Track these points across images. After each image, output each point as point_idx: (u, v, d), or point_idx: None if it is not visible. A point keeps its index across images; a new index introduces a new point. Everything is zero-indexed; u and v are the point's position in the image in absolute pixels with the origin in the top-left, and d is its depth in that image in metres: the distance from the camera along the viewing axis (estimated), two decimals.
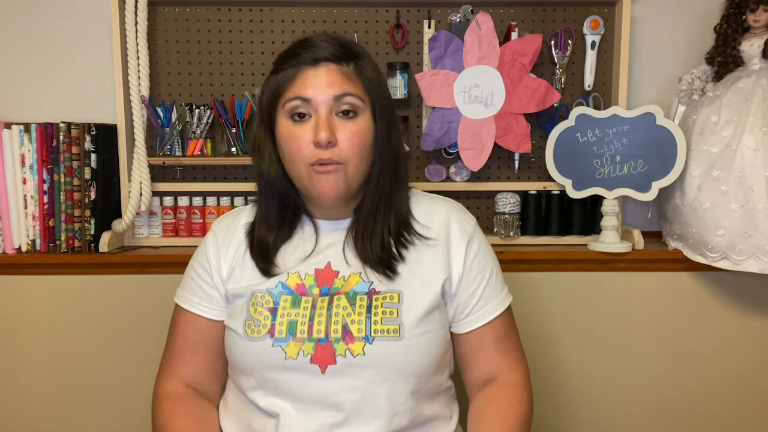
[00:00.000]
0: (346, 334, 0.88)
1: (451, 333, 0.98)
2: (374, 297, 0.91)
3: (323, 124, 0.87)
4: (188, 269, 1.02)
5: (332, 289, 0.92)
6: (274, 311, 0.90)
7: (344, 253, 0.95)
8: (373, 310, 0.89)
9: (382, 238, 0.93)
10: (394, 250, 0.93)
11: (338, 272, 0.93)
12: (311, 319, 0.89)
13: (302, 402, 0.88)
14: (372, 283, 0.92)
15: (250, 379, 0.91)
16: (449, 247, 0.96)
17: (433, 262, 0.95)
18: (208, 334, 0.97)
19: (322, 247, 0.96)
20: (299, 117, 0.89)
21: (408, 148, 1.46)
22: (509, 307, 1.01)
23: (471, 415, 0.98)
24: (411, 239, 0.95)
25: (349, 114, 0.89)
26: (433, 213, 0.99)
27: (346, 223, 0.98)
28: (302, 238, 0.98)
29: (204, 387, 0.99)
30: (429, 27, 1.43)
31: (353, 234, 0.95)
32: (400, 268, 0.93)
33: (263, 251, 0.95)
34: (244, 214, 1.02)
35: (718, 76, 1.39)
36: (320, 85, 0.88)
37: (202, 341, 0.98)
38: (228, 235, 0.99)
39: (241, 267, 0.96)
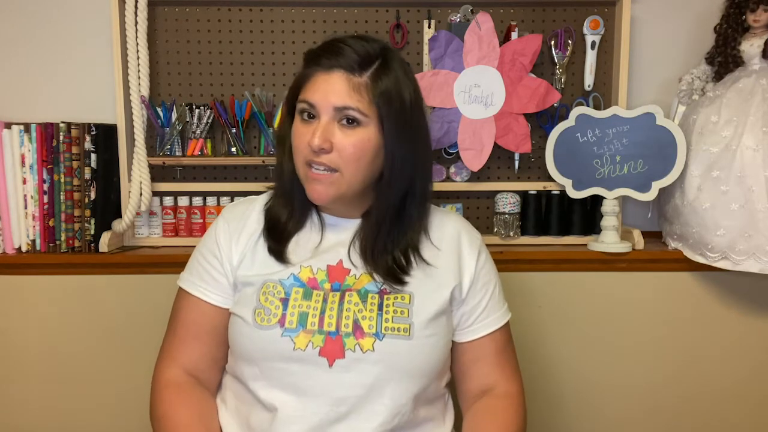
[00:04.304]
0: (357, 329, 0.89)
1: (452, 342, 1.00)
2: (385, 296, 0.92)
3: (319, 131, 0.88)
4: (195, 254, 1.01)
5: (344, 286, 0.93)
6: (285, 302, 0.91)
7: (350, 256, 0.96)
8: (384, 308, 0.91)
9: (386, 256, 0.94)
10: (400, 265, 0.94)
11: (349, 270, 0.95)
12: (322, 312, 0.90)
13: (304, 395, 0.89)
14: (383, 283, 0.93)
15: (254, 368, 0.91)
16: (461, 255, 0.99)
17: (444, 269, 0.97)
18: (212, 320, 0.97)
19: (332, 243, 0.97)
20: (308, 117, 0.91)
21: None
22: (508, 324, 1.04)
23: (467, 426, 0.99)
24: (416, 262, 0.96)
25: (351, 123, 0.89)
26: (444, 224, 1.02)
27: (352, 224, 0.99)
28: (311, 230, 0.99)
29: (204, 375, 0.99)
30: (429, 27, 1.43)
31: (359, 241, 0.96)
32: (409, 276, 0.94)
33: (275, 230, 0.97)
34: (257, 203, 1.02)
35: (718, 76, 1.39)
36: (327, 92, 0.89)
37: (206, 327, 0.98)
38: (241, 222, 0.99)
39: (252, 255, 0.96)
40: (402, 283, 0.93)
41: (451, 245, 0.99)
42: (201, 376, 0.99)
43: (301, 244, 0.97)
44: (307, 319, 0.89)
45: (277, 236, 0.97)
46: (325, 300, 0.91)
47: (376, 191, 0.96)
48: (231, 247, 0.97)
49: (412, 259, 0.96)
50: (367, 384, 0.88)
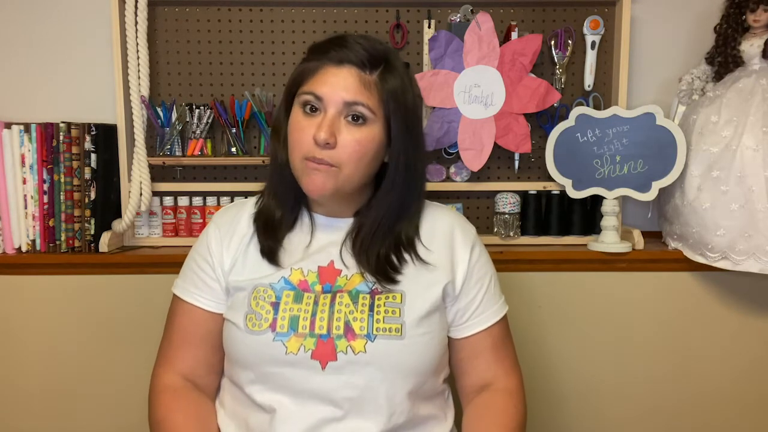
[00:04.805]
0: (348, 331, 0.89)
1: (449, 338, 0.99)
2: (377, 296, 0.91)
3: (326, 124, 0.87)
4: (188, 260, 1.01)
5: (335, 287, 0.93)
6: (276, 305, 0.90)
7: (342, 256, 0.95)
8: (375, 309, 0.90)
9: (379, 254, 0.93)
10: (392, 264, 0.94)
11: (341, 271, 0.94)
12: (313, 314, 0.90)
13: (300, 397, 0.89)
14: (374, 283, 0.92)
15: (248, 372, 0.91)
16: (454, 250, 0.98)
17: (436, 265, 0.96)
18: (206, 326, 0.97)
19: (323, 244, 0.97)
20: (311, 110, 0.90)
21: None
22: (505, 317, 1.02)
23: (467, 421, 0.99)
24: (410, 259, 0.95)
25: (358, 120, 0.89)
26: (437, 219, 1.01)
27: (344, 223, 0.98)
28: (301, 231, 0.98)
29: (202, 380, 0.99)
30: (429, 27, 1.43)
31: (351, 240, 0.96)
32: (401, 275, 0.94)
33: (270, 228, 0.96)
34: (247, 207, 1.01)
35: (718, 76, 1.39)
36: (336, 86, 0.88)
37: (200, 333, 0.97)
38: (231, 227, 0.99)
39: (243, 259, 0.96)
40: (394, 281, 0.92)
41: (444, 241, 0.98)
42: (198, 380, 0.98)
43: (292, 245, 0.97)
44: (299, 323, 0.89)
45: (272, 234, 0.96)
46: (316, 302, 0.91)
47: (373, 190, 0.96)
48: (222, 252, 0.97)
49: (405, 256, 0.95)
50: (360, 385, 0.88)
